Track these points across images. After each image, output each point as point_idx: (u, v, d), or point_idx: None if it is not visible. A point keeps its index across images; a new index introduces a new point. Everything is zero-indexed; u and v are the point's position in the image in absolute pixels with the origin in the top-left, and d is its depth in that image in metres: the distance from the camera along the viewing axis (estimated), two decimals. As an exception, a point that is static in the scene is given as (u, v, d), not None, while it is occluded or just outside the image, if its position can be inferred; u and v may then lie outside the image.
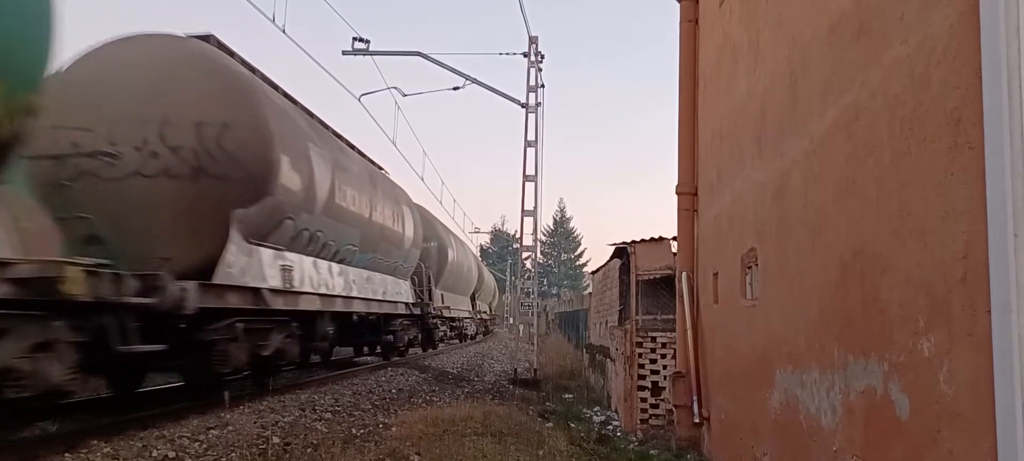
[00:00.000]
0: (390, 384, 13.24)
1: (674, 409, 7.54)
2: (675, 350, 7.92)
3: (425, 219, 21.26)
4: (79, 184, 8.35)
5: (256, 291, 9.18)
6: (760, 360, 5.25)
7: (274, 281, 9.66)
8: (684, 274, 7.54)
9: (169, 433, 7.21)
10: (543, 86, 16.99)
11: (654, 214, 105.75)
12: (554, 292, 63.87)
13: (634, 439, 8.36)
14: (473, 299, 31.79)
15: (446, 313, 23.93)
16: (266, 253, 9.57)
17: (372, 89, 18.12)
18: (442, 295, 23.07)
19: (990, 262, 2.34)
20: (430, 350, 22.46)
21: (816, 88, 4.16)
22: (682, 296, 7.51)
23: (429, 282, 20.58)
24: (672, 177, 7.86)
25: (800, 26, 4.47)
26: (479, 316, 34.98)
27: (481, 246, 66.50)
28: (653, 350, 8.92)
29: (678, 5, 7.90)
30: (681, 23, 7.86)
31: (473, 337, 32.91)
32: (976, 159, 2.44)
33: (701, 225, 7.54)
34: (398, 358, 18.49)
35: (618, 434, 8.74)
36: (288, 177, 9.72)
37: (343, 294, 12.70)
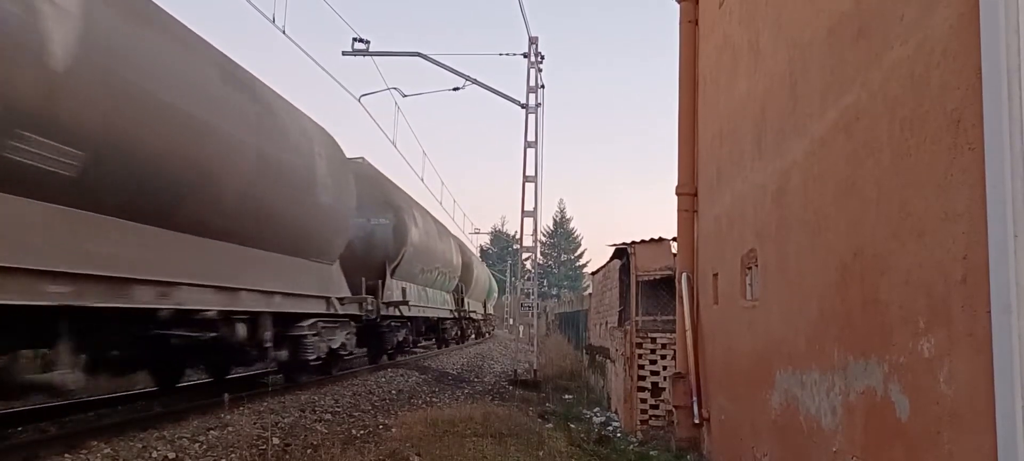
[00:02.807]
0: (390, 385, 13.25)
1: (674, 410, 7.54)
2: (675, 351, 7.92)
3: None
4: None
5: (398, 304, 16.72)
6: (760, 361, 5.25)
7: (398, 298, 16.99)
8: (684, 275, 7.54)
9: (169, 434, 7.21)
10: (543, 87, 17.00)
11: (654, 215, 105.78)
12: (554, 293, 63.85)
13: (634, 440, 8.36)
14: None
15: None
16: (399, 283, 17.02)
17: (372, 90, 18.05)
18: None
19: (990, 263, 2.34)
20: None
21: (816, 89, 4.16)
22: (682, 297, 7.50)
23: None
24: (672, 178, 7.87)
25: (800, 27, 4.47)
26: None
27: (481, 247, 66.40)
28: (653, 351, 8.91)
29: (678, 6, 7.91)
30: (681, 24, 7.86)
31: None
32: (976, 160, 2.44)
33: (701, 226, 7.54)
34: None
35: (618, 435, 8.74)
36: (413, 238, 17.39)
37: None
